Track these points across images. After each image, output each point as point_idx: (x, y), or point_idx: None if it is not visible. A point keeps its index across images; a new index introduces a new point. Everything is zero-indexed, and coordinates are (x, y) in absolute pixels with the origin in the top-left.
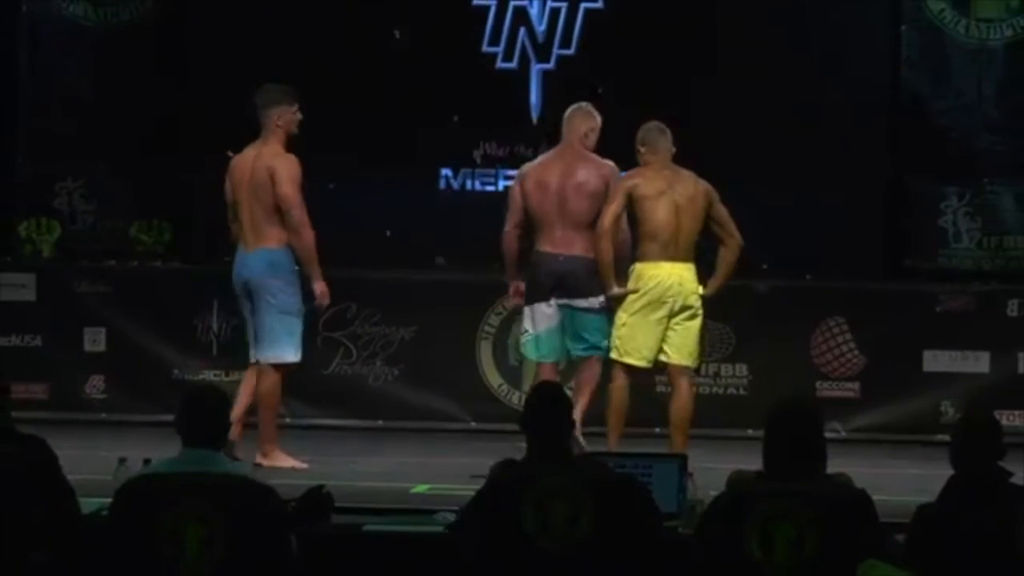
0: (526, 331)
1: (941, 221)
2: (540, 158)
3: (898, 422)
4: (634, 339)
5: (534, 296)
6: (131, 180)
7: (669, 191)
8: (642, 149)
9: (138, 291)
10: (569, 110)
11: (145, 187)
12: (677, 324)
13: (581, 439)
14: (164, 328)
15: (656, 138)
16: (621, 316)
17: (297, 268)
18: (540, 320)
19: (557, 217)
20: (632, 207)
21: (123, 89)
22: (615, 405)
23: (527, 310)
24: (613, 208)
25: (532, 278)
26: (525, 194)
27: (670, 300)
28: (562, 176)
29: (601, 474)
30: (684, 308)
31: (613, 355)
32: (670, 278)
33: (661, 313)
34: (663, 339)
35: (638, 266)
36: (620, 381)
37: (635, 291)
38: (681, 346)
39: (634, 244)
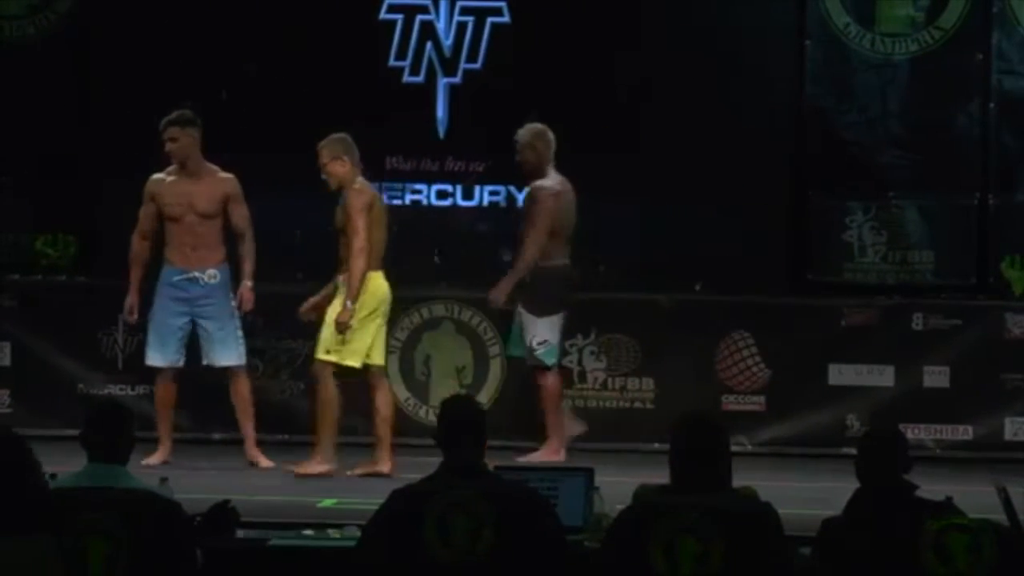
0: (547, 340)
1: (846, 235)
2: (555, 176)
3: (804, 436)
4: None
5: (558, 307)
6: (36, 194)
7: None
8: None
9: (43, 305)
10: (545, 131)
11: (50, 201)
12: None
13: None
14: (69, 342)
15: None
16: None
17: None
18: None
19: (569, 231)
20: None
21: (27, 103)
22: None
23: (554, 319)
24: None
25: (554, 289)
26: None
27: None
28: (570, 193)
29: (502, 487)
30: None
31: (344, 361)
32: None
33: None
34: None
35: None
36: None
37: None
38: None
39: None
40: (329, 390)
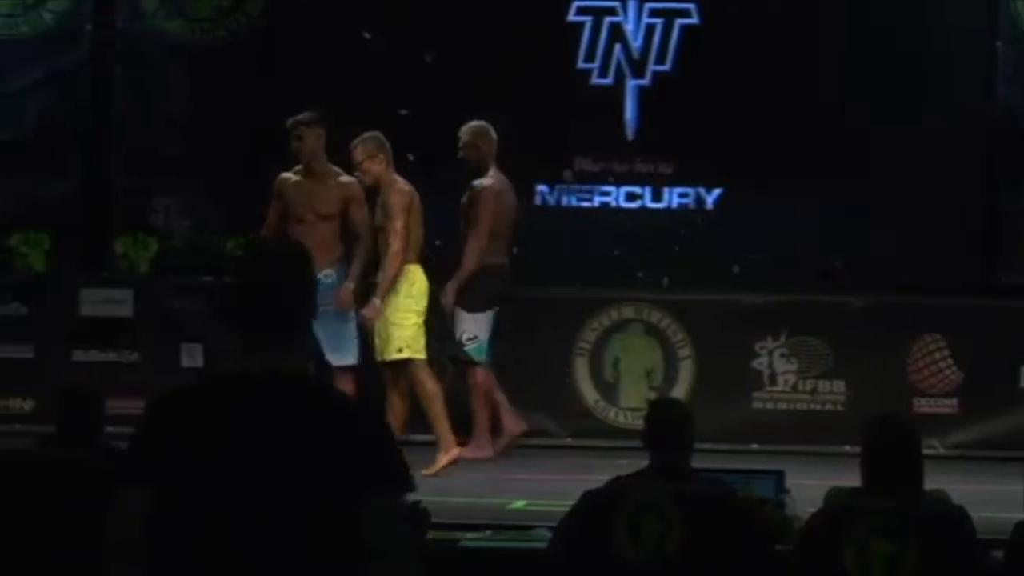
0: (476, 337)
1: None
2: (497, 175)
3: (996, 438)
4: None
5: (489, 304)
6: (227, 196)
7: None
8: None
9: None
10: (487, 129)
11: (241, 203)
12: None
13: None
14: None
15: None
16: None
17: None
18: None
19: (508, 230)
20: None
21: (218, 105)
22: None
23: (486, 316)
24: None
25: (488, 287)
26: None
27: None
28: (510, 193)
29: (698, 489)
30: None
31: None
32: None
33: None
34: None
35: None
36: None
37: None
38: None
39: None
40: (426, 384)
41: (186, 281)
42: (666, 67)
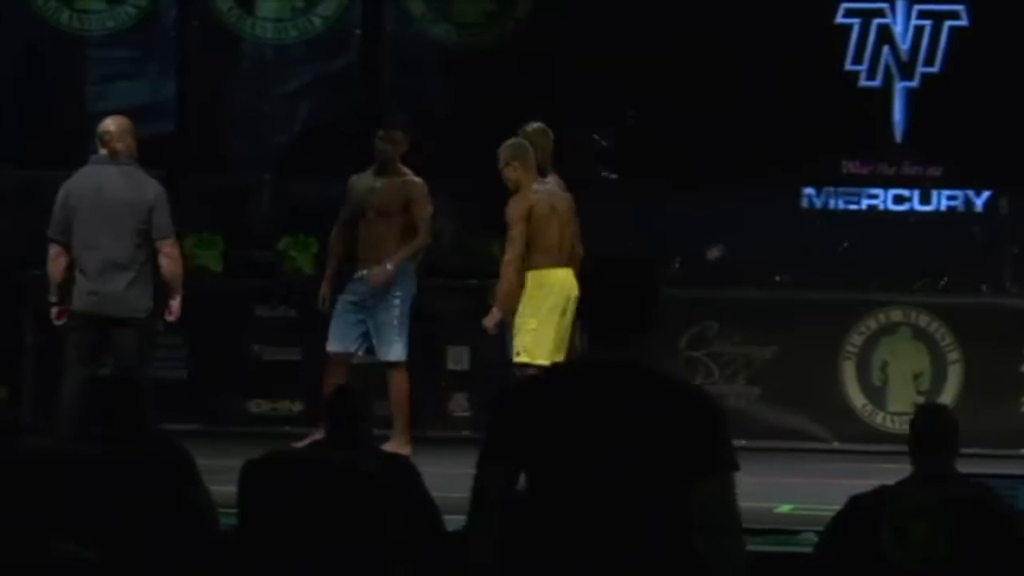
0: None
1: None
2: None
3: None
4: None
5: None
6: (492, 199)
7: None
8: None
9: None
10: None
11: (502, 205)
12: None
13: None
14: None
15: None
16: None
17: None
18: None
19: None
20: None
21: (484, 108)
22: None
23: None
24: None
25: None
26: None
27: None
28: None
29: (967, 495)
30: None
31: (536, 360)
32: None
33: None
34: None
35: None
36: None
37: None
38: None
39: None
40: None
41: (452, 283)
42: (935, 69)
